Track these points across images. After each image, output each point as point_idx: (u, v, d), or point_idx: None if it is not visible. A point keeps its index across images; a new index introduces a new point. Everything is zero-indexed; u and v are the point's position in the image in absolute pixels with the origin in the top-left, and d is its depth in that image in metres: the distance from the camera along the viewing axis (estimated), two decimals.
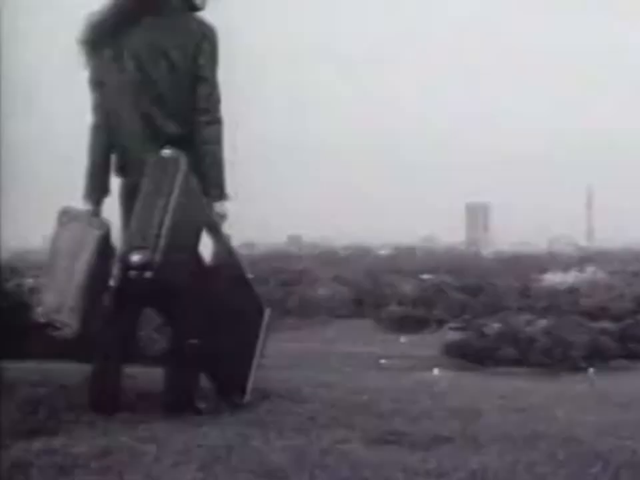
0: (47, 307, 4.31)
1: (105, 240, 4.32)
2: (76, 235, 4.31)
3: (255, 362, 4.86)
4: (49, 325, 4.31)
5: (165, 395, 4.79)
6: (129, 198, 4.44)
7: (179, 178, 4.09)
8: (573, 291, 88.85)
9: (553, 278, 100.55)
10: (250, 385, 4.89)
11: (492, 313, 77.65)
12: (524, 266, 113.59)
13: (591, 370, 60.40)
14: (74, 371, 6.35)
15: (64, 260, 4.28)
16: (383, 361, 62.47)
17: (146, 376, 6.36)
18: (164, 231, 3.97)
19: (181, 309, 4.37)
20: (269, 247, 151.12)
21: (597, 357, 64.54)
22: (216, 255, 4.32)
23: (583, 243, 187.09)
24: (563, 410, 5.72)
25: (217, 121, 4.53)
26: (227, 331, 4.62)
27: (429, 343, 70.72)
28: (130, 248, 4.01)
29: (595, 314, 75.74)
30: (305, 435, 4.52)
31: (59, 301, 4.26)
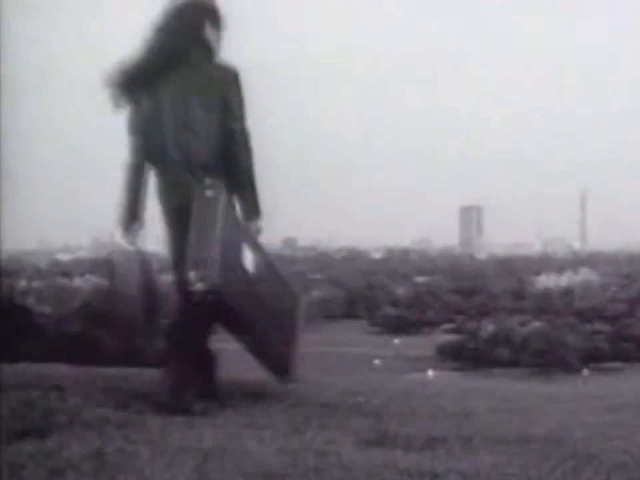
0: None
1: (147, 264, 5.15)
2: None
3: (297, 343, 5.42)
4: None
5: (165, 394, 5.07)
6: (174, 221, 5.05)
7: (221, 212, 4.70)
8: (566, 292, 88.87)
9: (547, 280, 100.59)
10: (296, 363, 5.45)
11: (486, 315, 77.66)
12: (518, 268, 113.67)
13: (585, 371, 60.47)
14: (67, 373, 6.34)
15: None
16: (376, 362, 62.48)
17: (142, 377, 6.36)
18: (216, 259, 4.61)
19: (235, 315, 5.05)
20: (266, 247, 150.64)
21: (590, 358, 64.59)
22: (256, 265, 4.97)
23: (576, 245, 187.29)
24: (556, 411, 5.73)
25: (248, 151, 5.07)
26: (270, 323, 5.25)
27: (423, 344, 70.68)
28: (192, 279, 4.62)
29: (588, 316, 75.76)
30: (298, 436, 4.52)
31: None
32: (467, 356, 65.34)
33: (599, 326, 71.39)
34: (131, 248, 5.18)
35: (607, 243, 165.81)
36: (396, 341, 74.51)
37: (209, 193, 4.73)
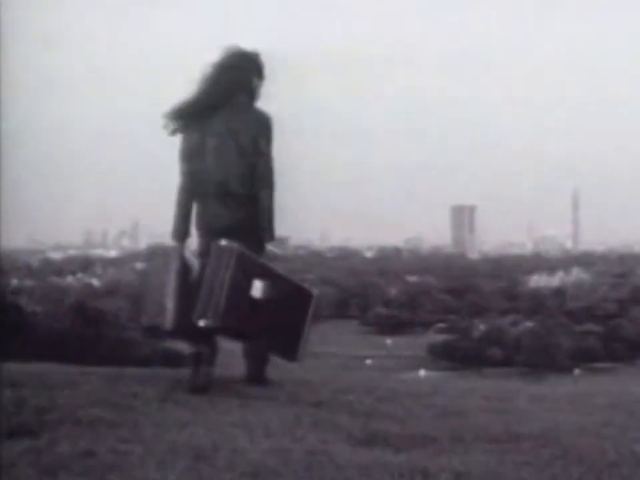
0: (150, 314, 5.95)
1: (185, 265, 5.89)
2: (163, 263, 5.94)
3: (306, 333, 6.35)
4: (152, 326, 5.99)
5: (249, 370, 6.29)
6: (206, 236, 6.01)
7: (232, 262, 5.71)
8: (558, 292, 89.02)
9: (539, 280, 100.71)
10: (302, 348, 6.32)
11: (478, 315, 77.78)
12: (509, 268, 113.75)
13: (576, 371, 60.58)
14: (58, 372, 6.34)
15: (155, 281, 5.93)
16: (368, 362, 62.51)
17: (133, 376, 6.35)
18: (220, 304, 5.66)
19: (240, 332, 6.03)
20: None
21: (581, 358, 64.72)
22: (264, 289, 5.95)
23: (568, 244, 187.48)
24: (547, 411, 5.74)
25: (270, 186, 6.06)
26: (276, 328, 6.19)
27: (415, 344, 70.76)
28: (197, 317, 5.65)
29: (580, 315, 75.90)
30: (290, 435, 4.53)
31: (158, 308, 5.79)
32: (459, 356, 65.42)
33: (590, 326, 71.52)
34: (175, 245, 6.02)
35: (599, 242, 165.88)
36: (388, 340, 74.57)
37: (223, 244, 5.75)
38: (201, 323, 5.65)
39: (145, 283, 6.23)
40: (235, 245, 5.77)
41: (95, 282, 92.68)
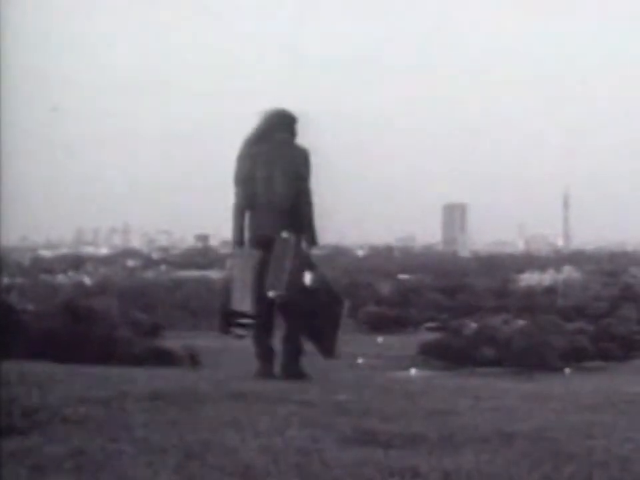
0: (236, 302, 7.39)
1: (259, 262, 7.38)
2: (245, 261, 7.51)
3: (338, 333, 7.58)
4: (237, 312, 7.37)
5: (285, 363, 7.43)
6: (257, 246, 7.49)
7: (291, 252, 7.33)
8: (549, 291, 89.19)
9: (530, 278, 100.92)
10: (338, 346, 7.56)
11: (469, 313, 77.82)
12: (501, 266, 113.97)
13: (567, 370, 60.66)
14: (48, 370, 6.33)
15: (240, 275, 7.46)
16: (360, 361, 62.51)
17: (124, 374, 6.35)
18: (284, 280, 7.26)
19: (294, 311, 7.47)
20: None
21: (573, 357, 64.79)
22: (313, 281, 7.43)
23: (559, 243, 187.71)
24: (538, 410, 5.75)
25: (310, 204, 7.54)
26: (319, 318, 7.53)
27: (406, 343, 70.77)
28: (268, 289, 7.27)
29: (571, 314, 76.02)
30: (280, 434, 4.52)
31: (242, 296, 7.37)
32: (450, 354, 65.41)
33: (581, 324, 71.60)
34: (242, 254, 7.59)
35: (590, 241, 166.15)
36: (379, 339, 74.59)
37: (284, 236, 7.33)
38: (271, 294, 7.25)
39: (229, 279, 7.56)
40: (293, 237, 7.38)
41: (86, 280, 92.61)
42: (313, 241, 7.59)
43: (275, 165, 7.50)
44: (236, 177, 7.60)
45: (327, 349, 7.56)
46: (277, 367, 7.42)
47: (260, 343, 7.45)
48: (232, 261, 7.64)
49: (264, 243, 7.42)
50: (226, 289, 7.52)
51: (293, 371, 7.33)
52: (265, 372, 7.34)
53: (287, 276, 7.23)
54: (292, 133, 7.72)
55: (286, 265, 7.26)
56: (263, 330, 7.43)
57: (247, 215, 7.59)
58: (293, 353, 7.45)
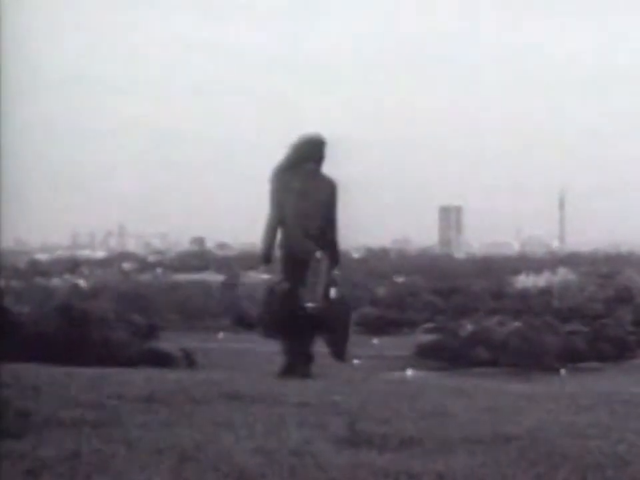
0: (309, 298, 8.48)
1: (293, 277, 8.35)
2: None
3: (348, 339, 8.65)
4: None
5: (333, 350, 8.52)
6: (290, 263, 8.40)
7: (324, 268, 8.28)
8: (545, 292, 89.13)
9: (526, 280, 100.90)
10: (347, 350, 8.61)
11: (465, 315, 77.77)
12: (496, 268, 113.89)
13: (563, 371, 60.69)
14: (43, 373, 6.32)
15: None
16: (355, 362, 62.47)
17: (118, 377, 6.35)
18: (320, 293, 8.28)
19: (327, 319, 8.42)
20: (243, 249, 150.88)
21: (568, 358, 64.79)
22: (336, 294, 8.45)
23: (555, 244, 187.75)
24: (533, 411, 5.75)
25: (335, 230, 8.50)
26: (337, 326, 8.58)
27: (402, 344, 70.64)
28: (307, 301, 8.25)
29: (566, 316, 75.98)
30: (275, 435, 4.52)
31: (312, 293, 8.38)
32: (446, 356, 65.35)
33: (577, 326, 71.59)
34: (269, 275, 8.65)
35: (586, 243, 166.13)
36: (375, 340, 74.52)
37: (319, 256, 8.23)
38: (310, 304, 8.23)
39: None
40: (326, 256, 8.33)
41: (82, 283, 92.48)
42: (336, 261, 8.65)
43: (307, 196, 8.36)
44: (271, 201, 8.49)
45: (339, 353, 8.57)
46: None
47: (296, 347, 8.41)
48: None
49: (295, 261, 8.33)
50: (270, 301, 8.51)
51: (338, 358, 8.57)
52: (303, 373, 8.24)
53: (321, 290, 8.28)
54: (320, 161, 8.53)
55: (321, 280, 8.30)
56: (302, 336, 8.43)
57: (279, 236, 8.47)
58: (334, 347, 8.58)
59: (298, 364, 8.33)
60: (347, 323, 8.80)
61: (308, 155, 8.48)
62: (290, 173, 8.43)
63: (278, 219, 8.41)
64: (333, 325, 8.52)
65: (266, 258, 8.52)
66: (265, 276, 8.81)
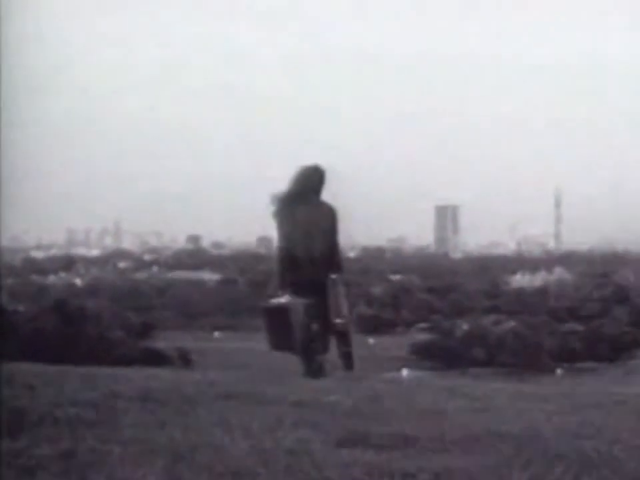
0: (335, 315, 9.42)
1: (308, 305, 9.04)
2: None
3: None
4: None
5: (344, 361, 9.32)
6: (300, 285, 9.06)
7: (341, 287, 9.26)
8: (541, 292, 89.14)
9: (522, 279, 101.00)
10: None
11: (460, 314, 77.70)
12: (492, 267, 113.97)
13: (558, 371, 60.71)
14: (38, 371, 6.31)
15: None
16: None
17: (114, 375, 6.34)
18: (345, 308, 9.27)
19: (344, 332, 9.40)
20: (238, 248, 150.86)
21: (564, 358, 64.83)
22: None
23: (551, 244, 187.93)
24: (528, 411, 5.75)
25: (339, 252, 9.59)
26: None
27: (398, 343, 70.65)
28: (335, 317, 9.13)
29: (563, 315, 75.97)
30: (270, 435, 4.52)
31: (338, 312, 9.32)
32: (441, 355, 65.32)
33: (572, 325, 71.60)
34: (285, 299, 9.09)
35: (581, 242, 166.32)
36: (370, 340, 74.54)
37: (333, 277, 9.13)
38: (337, 320, 9.13)
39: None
40: (340, 278, 9.24)
41: (77, 281, 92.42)
42: (340, 274, 9.41)
43: (311, 225, 9.11)
44: (279, 233, 9.33)
45: (351, 363, 9.46)
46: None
47: (312, 358, 9.10)
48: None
49: (307, 284, 9.05)
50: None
51: (350, 368, 9.31)
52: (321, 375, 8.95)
53: (345, 307, 9.28)
54: (319, 191, 9.25)
55: (341, 299, 9.24)
56: (318, 349, 9.15)
57: (290, 265, 9.20)
58: (350, 359, 9.40)
59: (314, 371, 8.98)
60: (350, 333, 9.54)
61: (309, 186, 9.23)
62: (293, 204, 9.16)
63: (287, 249, 9.20)
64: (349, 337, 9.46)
65: (283, 285, 9.22)
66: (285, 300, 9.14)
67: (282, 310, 9.04)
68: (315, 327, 9.10)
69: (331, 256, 9.22)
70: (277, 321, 9.03)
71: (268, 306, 9.27)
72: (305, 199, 9.22)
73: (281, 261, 9.33)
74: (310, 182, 9.28)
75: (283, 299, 9.12)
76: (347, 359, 9.39)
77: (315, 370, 9.00)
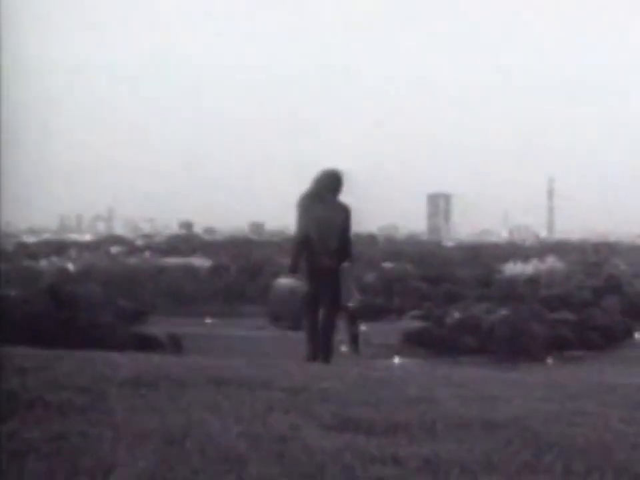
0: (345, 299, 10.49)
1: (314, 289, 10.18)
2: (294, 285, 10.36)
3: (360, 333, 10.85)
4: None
5: (352, 344, 10.55)
6: (314, 273, 10.12)
7: (353, 274, 10.32)
8: (532, 280, 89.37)
9: (513, 268, 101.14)
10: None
11: (452, 302, 77.98)
12: (485, 255, 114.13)
13: (549, 359, 60.89)
14: (30, 355, 6.30)
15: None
16: (343, 349, 62.57)
17: (106, 360, 6.33)
18: (355, 293, 10.27)
19: (354, 315, 10.67)
20: (231, 234, 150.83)
21: (555, 346, 65.02)
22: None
23: (543, 233, 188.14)
24: (520, 399, 5.76)
25: (350, 244, 10.29)
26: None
27: (390, 331, 70.87)
28: (344, 301, 10.17)
29: (554, 304, 76.19)
30: (261, 421, 4.52)
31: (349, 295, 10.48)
32: (433, 343, 65.59)
33: (564, 314, 71.80)
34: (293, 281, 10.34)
35: (573, 231, 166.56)
36: (362, 327, 74.64)
37: (345, 265, 10.12)
38: (349, 303, 10.22)
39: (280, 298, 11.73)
40: (351, 266, 10.27)
41: (70, 266, 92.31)
42: (353, 269, 10.51)
43: (327, 221, 10.10)
44: (297, 223, 10.26)
45: (357, 347, 10.69)
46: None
47: (315, 338, 10.19)
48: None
49: (317, 271, 10.07)
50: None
51: (357, 350, 10.68)
52: (325, 360, 9.96)
53: (356, 292, 10.40)
54: (336, 192, 10.26)
55: (352, 284, 10.31)
56: (328, 328, 10.26)
57: (306, 253, 10.13)
58: (357, 342, 10.73)
59: (320, 353, 10.07)
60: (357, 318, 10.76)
61: (327, 187, 10.29)
62: (312, 201, 10.20)
63: (303, 239, 10.12)
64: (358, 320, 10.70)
65: (293, 269, 10.23)
66: (291, 282, 10.38)
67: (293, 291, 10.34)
68: (323, 310, 10.14)
69: (343, 248, 10.20)
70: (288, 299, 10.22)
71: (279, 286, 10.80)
72: (322, 197, 10.24)
73: (294, 247, 10.33)
74: (328, 183, 10.32)
75: (291, 281, 10.28)
76: (355, 342, 10.62)
77: (325, 353, 10.09)
